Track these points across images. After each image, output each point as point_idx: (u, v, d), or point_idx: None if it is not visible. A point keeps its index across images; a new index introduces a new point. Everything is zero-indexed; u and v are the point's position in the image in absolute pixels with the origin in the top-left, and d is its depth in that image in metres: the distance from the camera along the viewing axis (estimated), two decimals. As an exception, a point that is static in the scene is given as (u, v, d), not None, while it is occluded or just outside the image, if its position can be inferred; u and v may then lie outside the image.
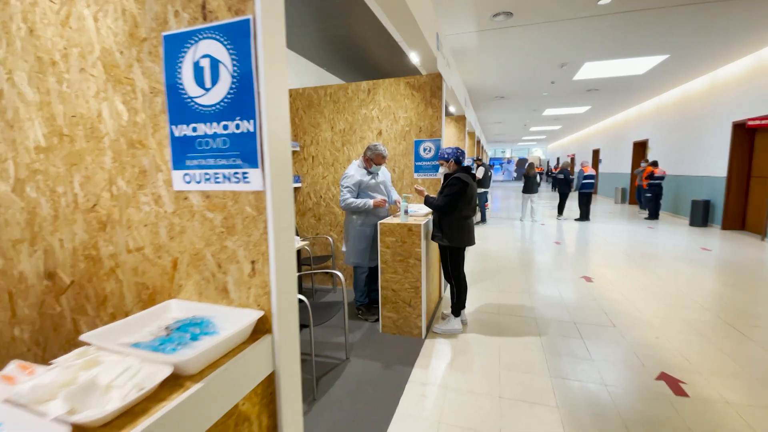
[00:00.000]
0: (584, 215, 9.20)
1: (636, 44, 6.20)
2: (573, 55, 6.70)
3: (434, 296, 3.53)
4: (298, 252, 3.43)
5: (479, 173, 8.36)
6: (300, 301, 2.29)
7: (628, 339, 2.95)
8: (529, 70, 7.54)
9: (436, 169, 3.70)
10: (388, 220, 3.05)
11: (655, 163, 9.52)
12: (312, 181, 4.21)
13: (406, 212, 2.96)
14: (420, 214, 3.26)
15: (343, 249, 3.36)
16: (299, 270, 3.43)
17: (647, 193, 9.44)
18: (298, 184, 4.22)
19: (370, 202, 3.14)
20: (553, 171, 14.86)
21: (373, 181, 3.25)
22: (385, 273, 3.00)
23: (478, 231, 7.87)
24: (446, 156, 2.96)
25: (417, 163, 3.75)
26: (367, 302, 3.43)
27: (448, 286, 3.12)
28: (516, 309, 3.61)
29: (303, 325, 2.22)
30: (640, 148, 12.51)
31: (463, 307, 3.18)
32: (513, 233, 7.75)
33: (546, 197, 15.96)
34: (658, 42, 6.12)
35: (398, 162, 3.84)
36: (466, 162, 8.45)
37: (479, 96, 10.00)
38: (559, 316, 3.41)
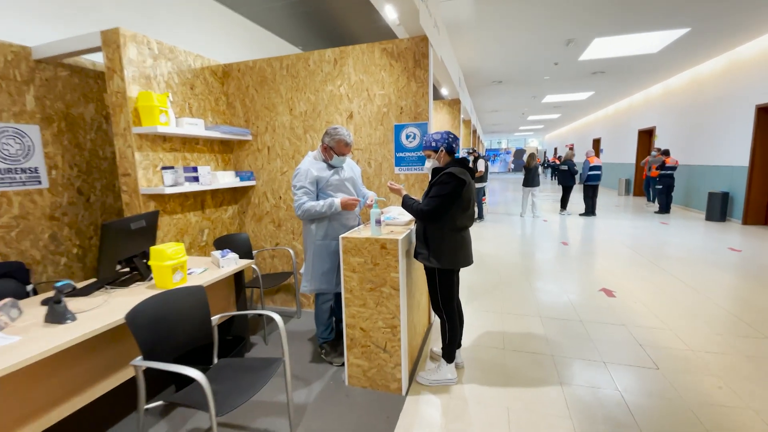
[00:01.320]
0: (590, 210, 8.43)
1: (654, 16, 5.37)
2: (582, 30, 5.86)
3: (420, 330, 2.72)
4: (239, 275, 2.60)
5: (479, 167, 7.53)
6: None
7: (679, 389, 2.16)
8: (531, 49, 6.69)
9: (422, 161, 2.86)
10: (354, 232, 2.22)
11: (666, 152, 8.74)
12: (269, 178, 3.36)
13: (378, 222, 2.13)
14: (400, 222, 2.43)
15: (301, 271, 2.53)
16: (240, 297, 2.60)
17: (658, 185, 8.68)
18: (251, 182, 3.37)
19: (337, 201, 2.32)
20: (554, 161, 14.06)
21: (336, 177, 2.42)
22: (350, 306, 2.18)
23: (475, 230, 7.07)
24: (434, 144, 2.13)
25: (398, 155, 2.91)
26: (332, 338, 2.62)
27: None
28: (526, 340, 2.81)
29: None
30: (645, 137, 11.74)
31: (458, 346, 2.38)
32: (513, 232, 6.96)
33: (545, 189, 15.19)
34: (679, 13, 5.29)
35: (374, 153, 3.00)
36: (460, 153, 7.56)
37: (475, 81, 9.13)
38: (582, 351, 2.62)
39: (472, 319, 3.20)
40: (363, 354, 2.20)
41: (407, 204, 2.13)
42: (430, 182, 2.13)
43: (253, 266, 2.73)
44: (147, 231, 2.27)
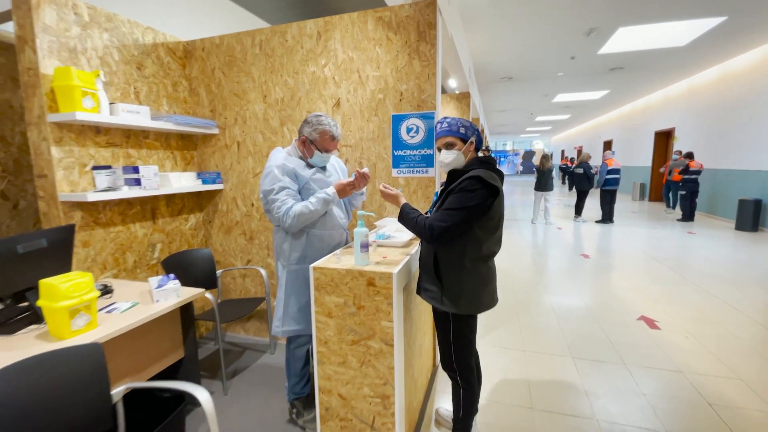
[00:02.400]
0: (607, 216, 7.78)
1: (688, 2, 4.74)
2: (606, 17, 5.24)
3: (422, 382, 2.09)
4: (186, 307, 1.98)
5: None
6: None
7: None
8: (549, 40, 6.06)
9: (427, 161, 2.24)
10: (332, 259, 1.60)
11: (690, 155, 8.08)
12: (239, 181, 2.75)
13: (364, 247, 1.50)
14: (398, 242, 1.81)
15: (275, 303, 1.91)
16: (188, 333, 1.99)
17: (681, 190, 8.01)
18: (218, 185, 2.76)
19: (330, 190, 1.74)
20: (564, 164, 13.40)
21: (319, 176, 1.82)
22: (324, 364, 1.56)
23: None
24: (462, 131, 1.51)
25: (397, 153, 2.29)
26: (307, 393, 1.99)
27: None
28: (558, 394, 2.18)
29: None
30: (663, 138, 11.07)
31: (475, 412, 1.75)
32: (526, 241, 6.32)
33: (556, 193, 14.52)
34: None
35: (367, 151, 2.38)
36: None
37: (483, 77, 8.50)
38: (633, 413, 1.98)
39: (487, 359, 2.57)
40: (342, 429, 1.57)
41: (408, 217, 1.51)
42: (444, 188, 1.52)
43: (208, 295, 2.13)
44: (53, 253, 1.66)
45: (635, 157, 12.47)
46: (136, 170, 2.18)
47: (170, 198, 2.65)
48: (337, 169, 1.97)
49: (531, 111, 14.29)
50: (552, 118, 16.42)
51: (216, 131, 2.73)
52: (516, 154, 25.82)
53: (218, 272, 2.70)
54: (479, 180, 1.37)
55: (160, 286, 1.82)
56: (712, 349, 2.66)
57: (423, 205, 2.28)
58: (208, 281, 2.61)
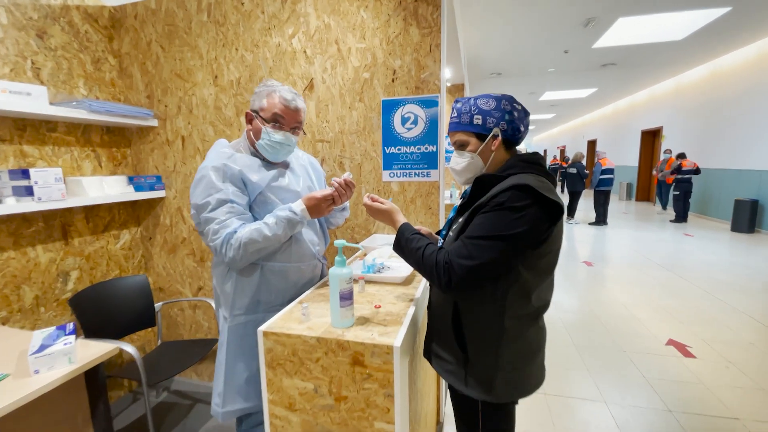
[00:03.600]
0: (601, 218, 7.45)
1: (700, -15, 4.38)
2: (607, 5, 4.84)
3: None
4: (95, 371, 1.37)
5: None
6: None
7: None
8: (543, 31, 5.63)
9: (429, 161, 1.71)
10: (290, 317, 1.03)
11: (682, 155, 7.85)
12: (186, 186, 2.14)
13: (347, 299, 0.94)
14: (396, 277, 1.25)
15: (215, 372, 1.33)
16: (97, 406, 1.38)
17: (674, 191, 7.77)
18: (158, 193, 2.15)
19: (297, 207, 1.18)
20: (555, 163, 13.18)
21: (281, 183, 1.24)
22: (287, 480, 0.99)
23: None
24: (477, 121, 0.96)
25: (389, 150, 1.75)
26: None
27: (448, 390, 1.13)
28: (603, 463, 1.68)
29: None
30: (650, 138, 10.92)
31: None
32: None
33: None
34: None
35: (349, 147, 1.82)
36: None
37: (472, 73, 8.06)
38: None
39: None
40: None
41: (409, 247, 0.97)
42: (467, 200, 0.98)
43: (129, 349, 1.52)
44: None
45: (622, 157, 12.32)
46: (25, 174, 1.56)
47: (92, 210, 2.03)
48: (309, 171, 1.40)
49: (516, 110, 14.00)
50: (537, 117, 16.21)
51: (154, 123, 2.12)
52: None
53: (158, 306, 2.09)
54: (528, 192, 0.83)
55: (41, 348, 1.21)
56: (760, 382, 2.22)
57: (424, 220, 1.74)
58: (144, 319, 2.00)
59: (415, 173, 1.73)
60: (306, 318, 0.97)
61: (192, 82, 2.02)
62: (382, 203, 1.08)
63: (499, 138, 0.95)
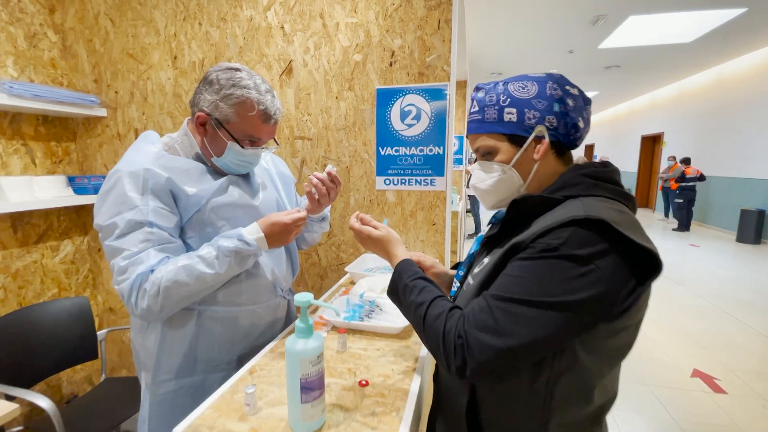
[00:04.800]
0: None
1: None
2: (617, 3, 4.56)
3: None
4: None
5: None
6: None
7: None
8: (549, 29, 5.35)
9: (434, 165, 1.37)
10: (218, 418, 0.68)
11: (686, 161, 7.62)
12: (140, 191, 1.78)
13: (309, 389, 0.59)
14: (391, 327, 0.91)
15: None
16: None
17: (678, 198, 7.53)
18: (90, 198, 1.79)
19: (248, 234, 0.83)
20: None
21: (232, 194, 0.88)
22: None
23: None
24: (510, 116, 0.62)
25: (383, 151, 1.41)
26: None
27: None
28: None
29: None
30: (650, 144, 10.72)
31: None
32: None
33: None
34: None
35: (336, 147, 1.48)
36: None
37: (472, 72, 7.76)
38: None
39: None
40: None
41: (409, 301, 0.63)
42: (497, 232, 0.65)
43: (41, 402, 1.16)
44: None
45: (620, 162, 12.11)
46: None
47: (21, 218, 1.66)
48: (273, 176, 1.05)
49: (514, 112, 13.76)
50: (534, 121, 15.99)
51: (102, 112, 1.76)
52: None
53: (102, 333, 1.72)
54: (603, 231, 0.51)
55: None
56: (812, 431, 1.92)
57: (426, 239, 1.41)
58: (81, 350, 1.64)
59: (416, 180, 1.39)
60: (251, 409, 0.62)
61: (147, 64, 1.66)
62: (374, 229, 0.75)
63: (546, 141, 0.61)
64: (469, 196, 6.67)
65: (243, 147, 0.83)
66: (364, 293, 1.03)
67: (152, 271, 0.75)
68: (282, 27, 1.45)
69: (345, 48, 1.40)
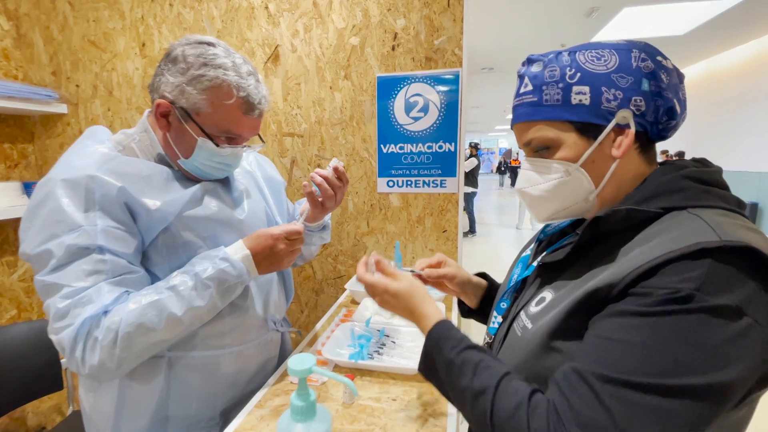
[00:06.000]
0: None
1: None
2: (613, -9, 4.46)
3: None
4: None
5: (468, 166, 6.02)
6: None
7: None
8: (542, 21, 5.22)
9: (445, 165, 1.20)
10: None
11: (681, 155, 7.61)
12: (109, 197, 1.58)
13: None
14: (408, 368, 0.74)
15: None
16: None
17: (671, 193, 7.52)
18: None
19: (233, 254, 0.65)
20: (512, 163, 12.99)
21: (204, 208, 0.68)
22: None
23: (467, 250, 5.52)
24: (605, 94, 0.44)
25: (386, 149, 1.23)
26: None
27: None
28: None
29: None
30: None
31: None
32: (514, 253, 5.46)
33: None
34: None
35: (330, 144, 1.30)
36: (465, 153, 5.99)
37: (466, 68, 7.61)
38: None
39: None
40: None
41: (458, 383, 0.44)
42: (559, 257, 0.47)
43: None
44: None
45: (611, 157, 12.16)
46: None
47: (-34, 230, 1.44)
48: (259, 181, 0.86)
49: (504, 107, 13.72)
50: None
51: (62, 109, 1.55)
52: (491, 153, 25.43)
53: (66, 362, 1.52)
54: (752, 262, 0.34)
55: None
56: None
57: (436, 249, 1.24)
58: (46, 381, 1.44)
59: (424, 182, 1.22)
60: None
61: (111, 52, 1.46)
62: (391, 275, 0.57)
63: (632, 131, 0.45)
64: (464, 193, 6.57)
65: (218, 145, 0.64)
66: (371, 319, 0.86)
67: (106, 313, 0.57)
68: (266, 7, 1.26)
69: (340, 30, 1.21)
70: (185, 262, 0.64)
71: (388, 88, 1.20)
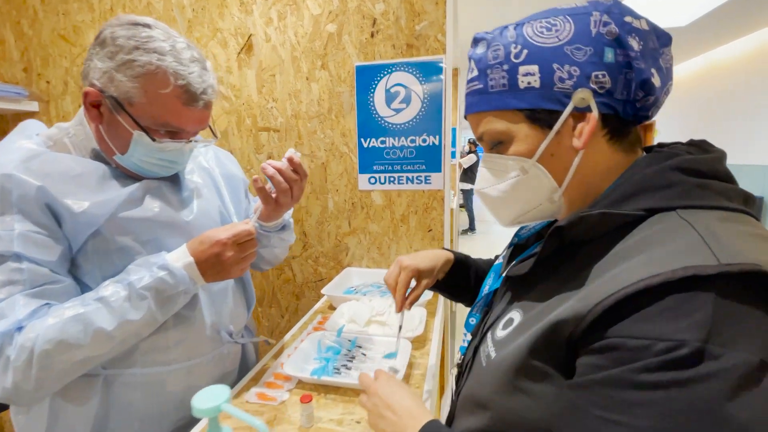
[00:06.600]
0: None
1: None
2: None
3: None
4: None
5: (467, 162, 5.94)
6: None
7: None
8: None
9: (430, 160, 1.12)
10: None
11: (683, 149, 7.49)
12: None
13: None
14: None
15: None
16: None
17: (674, 188, 7.41)
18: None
19: (178, 260, 0.57)
20: None
21: (143, 209, 0.60)
22: None
23: (467, 248, 5.43)
24: (557, 71, 0.36)
25: (367, 143, 1.16)
26: None
27: None
28: None
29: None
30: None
31: None
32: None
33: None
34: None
35: (308, 138, 1.22)
36: (460, 146, 5.90)
37: (459, 63, 7.52)
38: None
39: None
40: None
41: None
42: (522, 271, 0.40)
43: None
44: None
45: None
46: None
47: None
48: (216, 179, 0.78)
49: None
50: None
51: (33, 107, 1.48)
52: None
53: None
54: (761, 287, 0.26)
55: None
56: None
57: (421, 246, 1.16)
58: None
59: (408, 178, 1.15)
60: None
61: (81, 46, 1.39)
62: (381, 383, 0.49)
63: (594, 115, 0.36)
64: (462, 190, 6.46)
65: (154, 139, 0.57)
66: (343, 328, 0.79)
67: (20, 329, 0.50)
68: (238, -5, 1.19)
69: (315, 17, 1.14)
70: (121, 269, 0.57)
71: (367, 77, 1.12)
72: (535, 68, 0.36)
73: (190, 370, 0.64)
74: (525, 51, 0.37)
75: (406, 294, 0.60)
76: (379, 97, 1.12)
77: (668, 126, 9.20)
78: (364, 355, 0.72)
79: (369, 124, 1.14)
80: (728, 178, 0.36)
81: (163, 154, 0.60)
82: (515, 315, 0.38)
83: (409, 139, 1.13)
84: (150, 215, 0.60)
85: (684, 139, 0.39)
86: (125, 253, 0.58)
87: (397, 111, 1.12)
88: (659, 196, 0.33)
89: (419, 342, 0.82)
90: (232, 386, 0.70)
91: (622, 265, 0.30)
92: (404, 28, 1.08)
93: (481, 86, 0.40)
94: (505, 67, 0.37)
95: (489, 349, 0.39)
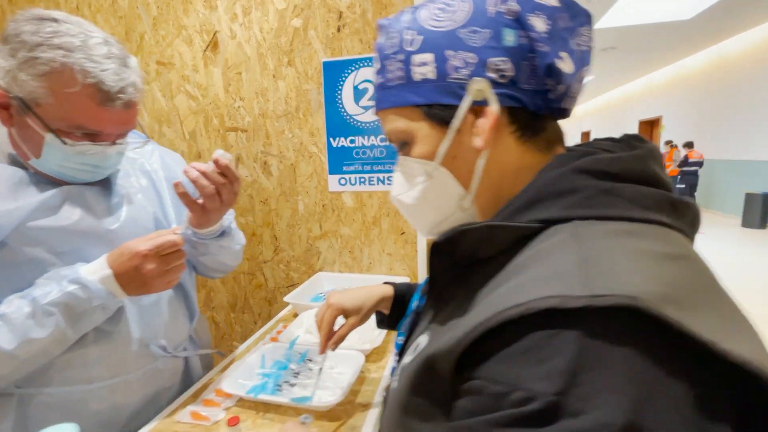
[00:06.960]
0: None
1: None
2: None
3: None
4: None
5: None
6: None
7: None
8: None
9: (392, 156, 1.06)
10: None
11: (689, 145, 7.35)
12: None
13: None
14: (322, 405, 0.62)
15: None
16: None
17: (680, 184, 7.28)
18: None
19: (92, 275, 0.53)
20: None
21: (59, 218, 0.55)
22: None
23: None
24: (449, 61, 0.30)
25: (336, 143, 1.11)
26: None
27: None
28: None
29: None
30: (648, 128, 10.45)
31: None
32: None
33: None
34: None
35: (276, 138, 1.18)
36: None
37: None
38: None
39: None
40: None
41: None
42: (436, 289, 0.35)
43: None
44: None
45: (618, 149, 11.87)
46: None
47: None
48: (159, 183, 0.72)
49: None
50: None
51: None
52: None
53: None
54: (649, 326, 0.20)
55: None
56: None
57: (394, 253, 1.11)
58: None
59: (379, 179, 1.10)
60: None
61: (48, 46, 1.35)
62: None
63: (493, 109, 0.30)
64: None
65: (65, 142, 0.53)
66: (297, 339, 0.74)
67: None
68: (203, -13, 1.14)
69: (280, 11, 1.09)
70: (27, 283, 0.53)
71: (334, 73, 1.07)
72: (429, 57, 0.31)
73: (114, 387, 0.60)
74: (420, 37, 0.31)
75: (332, 333, 0.55)
76: (347, 94, 1.07)
77: (674, 122, 9.02)
78: (311, 370, 0.67)
79: (338, 122, 1.10)
80: (651, 181, 0.30)
81: (83, 158, 0.55)
82: (422, 339, 0.33)
83: (379, 137, 1.08)
84: (66, 224, 0.56)
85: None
86: (37, 265, 0.54)
87: (366, 108, 1.07)
88: (559, 204, 0.28)
89: (377, 354, 0.77)
90: (168, 403, 0.65)
91: (502, 287, 0.25)
92: (371, 22, 1.03)
93: (382, 80, 0.35)
94: (400, 57, 0.32)
95: (396, 376, 0.34)
